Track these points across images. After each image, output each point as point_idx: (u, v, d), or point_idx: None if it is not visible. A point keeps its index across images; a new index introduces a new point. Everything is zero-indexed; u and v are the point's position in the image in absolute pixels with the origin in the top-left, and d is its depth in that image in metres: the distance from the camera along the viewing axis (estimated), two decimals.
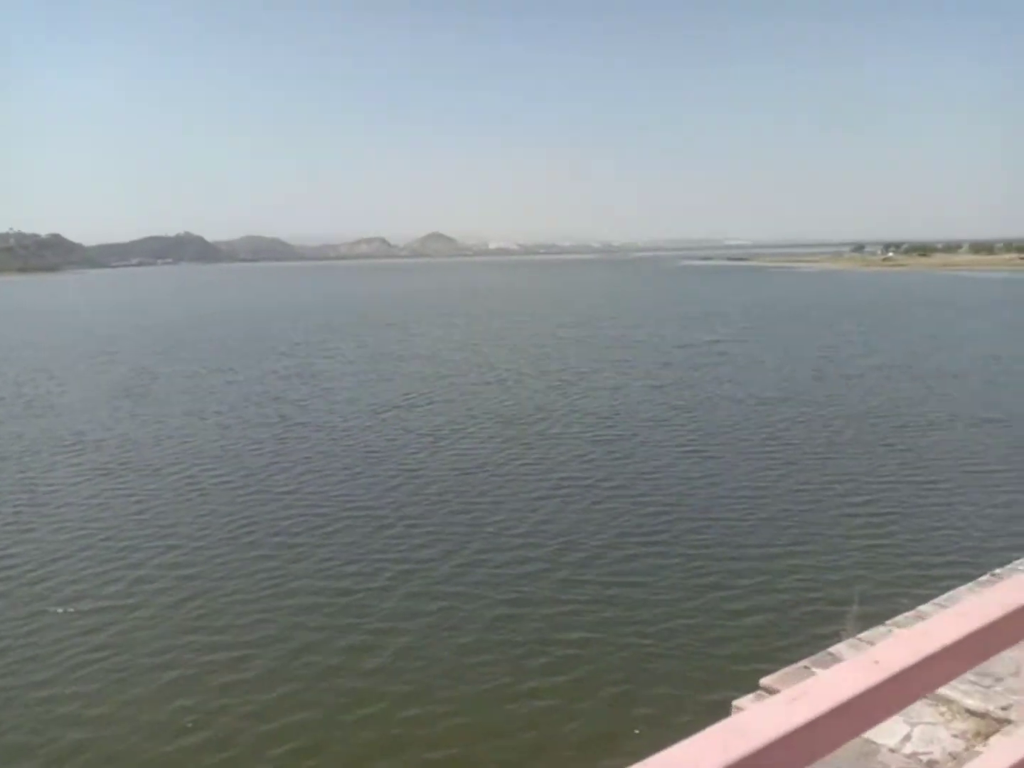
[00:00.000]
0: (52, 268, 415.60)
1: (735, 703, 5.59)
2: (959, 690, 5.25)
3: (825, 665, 5.78)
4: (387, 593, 13.14)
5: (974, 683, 5.34)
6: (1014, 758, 1.82)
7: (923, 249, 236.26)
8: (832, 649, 6.06)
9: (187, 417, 28.76)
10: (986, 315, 64.11)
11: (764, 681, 5.65)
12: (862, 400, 28.90)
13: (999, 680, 5.36)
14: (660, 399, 29.92)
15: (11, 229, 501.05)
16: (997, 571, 7.54)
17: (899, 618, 6.61)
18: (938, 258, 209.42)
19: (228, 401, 31.86)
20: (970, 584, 7.28)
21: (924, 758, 4.62)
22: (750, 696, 5.62)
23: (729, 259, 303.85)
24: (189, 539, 15.89)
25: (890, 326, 56.20)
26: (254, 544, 15.55)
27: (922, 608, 6.78)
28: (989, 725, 4.83)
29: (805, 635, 10.04)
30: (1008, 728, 4.98)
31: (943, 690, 5.28)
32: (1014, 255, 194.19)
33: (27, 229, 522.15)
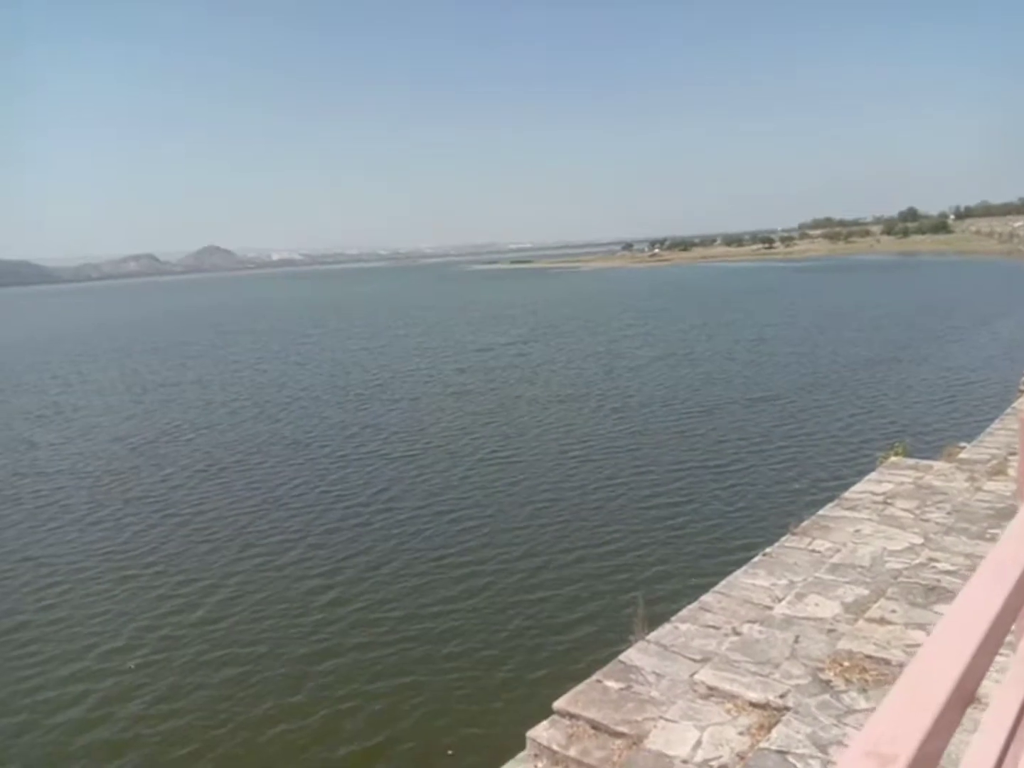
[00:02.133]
0: None
1: (529, 734, 5.26)
2: (740, 683, 5.28)
3: (620, 677, 5.62)
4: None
5: (754, 672, 5.40)
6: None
7: (684, 244, 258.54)
8: (623, 656, 5.93)
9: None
10: (747, 301, 71.10)
11: (558, 704, 5.37)
12: (647, 390, 30.66)
13: (776, 666, 5.46)
14: (461, 407, 29.71)
15: None
16: (768, 550, 7.90)
17: (683, 612, 6.66)
18: (697, 251, 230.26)
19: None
20: (745, 567, 7.55)
21: (715, 763, 4.53)
22: (545, 723, 5.31)
23: (513, 262, 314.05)
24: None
25: (662, 318, 60.59)
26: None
27: (704, 598, 6.89)
28: (771, 717, 4.85)
29: (593, 646, 10.02)
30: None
31: (726, 684, 5.28)
32: (759, 246, 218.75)
33: None
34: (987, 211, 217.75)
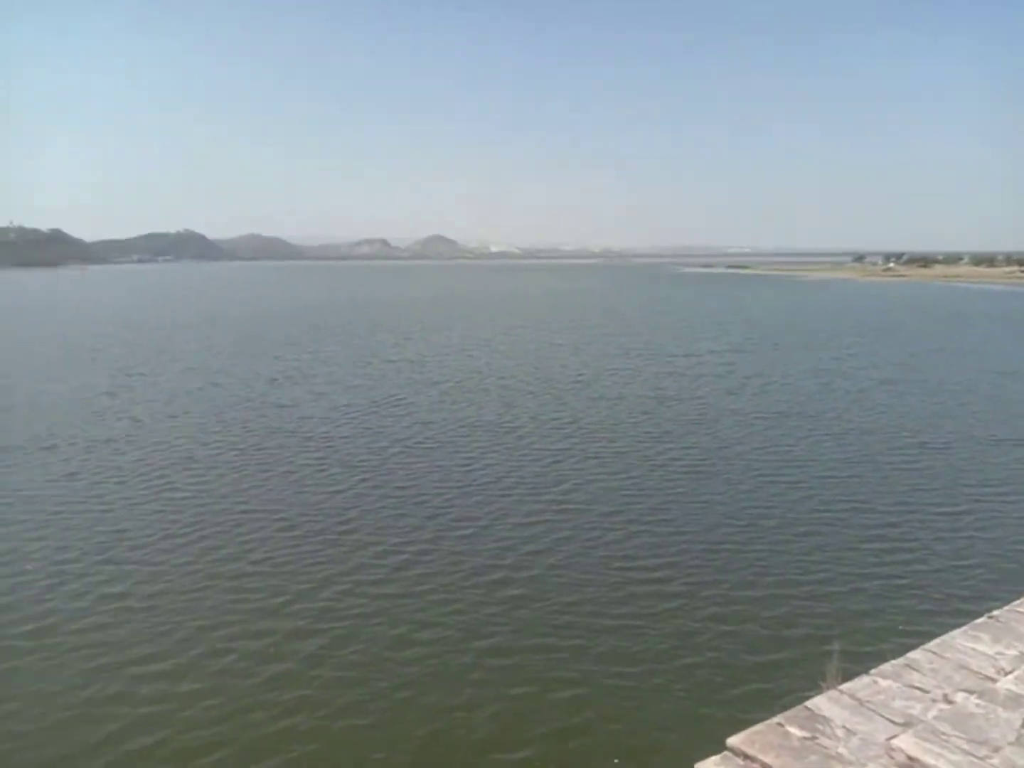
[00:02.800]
0: (51, 263, 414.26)
1: (697, 767, 4.97)
2: (948, 759, 4.64)
3: (805, 724, 5.18)
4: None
5: (967, 752, 4.73)
6: None
7: (924, 260, 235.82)
8: (811, 703, 5.44)
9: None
10: (993, 328, 63.57)
11: (732, 742, 5.03)
12: (870, 416, 28.24)
13: (996, 750, 4.75)
14: (663, 414, 29.07)
15: (11, 223, 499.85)
16: (995, 613, 6.93)
17: (885, 666, 5.99)
18: (938, 269, 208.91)
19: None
20: (965, 627, 6.66)
21: None
22: (716, 758, 5.00)
23: (729, 267, 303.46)
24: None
25: (894, 338, 55.68)
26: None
27: (911, 656, 6.17)
28: None
29: (776, 686, 9.34)
30: None
31: (930, 759, 4.68)
32: (1015, 268, 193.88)
33: (28, 223, 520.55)
34: None
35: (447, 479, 20.37)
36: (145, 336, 57.34)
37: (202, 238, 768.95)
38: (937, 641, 6.45)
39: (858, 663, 6.13)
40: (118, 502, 18.41)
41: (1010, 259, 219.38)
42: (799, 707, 5.41)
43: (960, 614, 8.04)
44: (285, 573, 14.21)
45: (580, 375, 38.36)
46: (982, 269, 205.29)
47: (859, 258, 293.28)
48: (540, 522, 16.96)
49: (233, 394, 33.21)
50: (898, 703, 5.41)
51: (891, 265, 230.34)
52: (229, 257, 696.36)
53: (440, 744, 9.25)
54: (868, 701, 5.44)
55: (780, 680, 9.63)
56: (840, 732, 5.05)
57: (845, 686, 5.68)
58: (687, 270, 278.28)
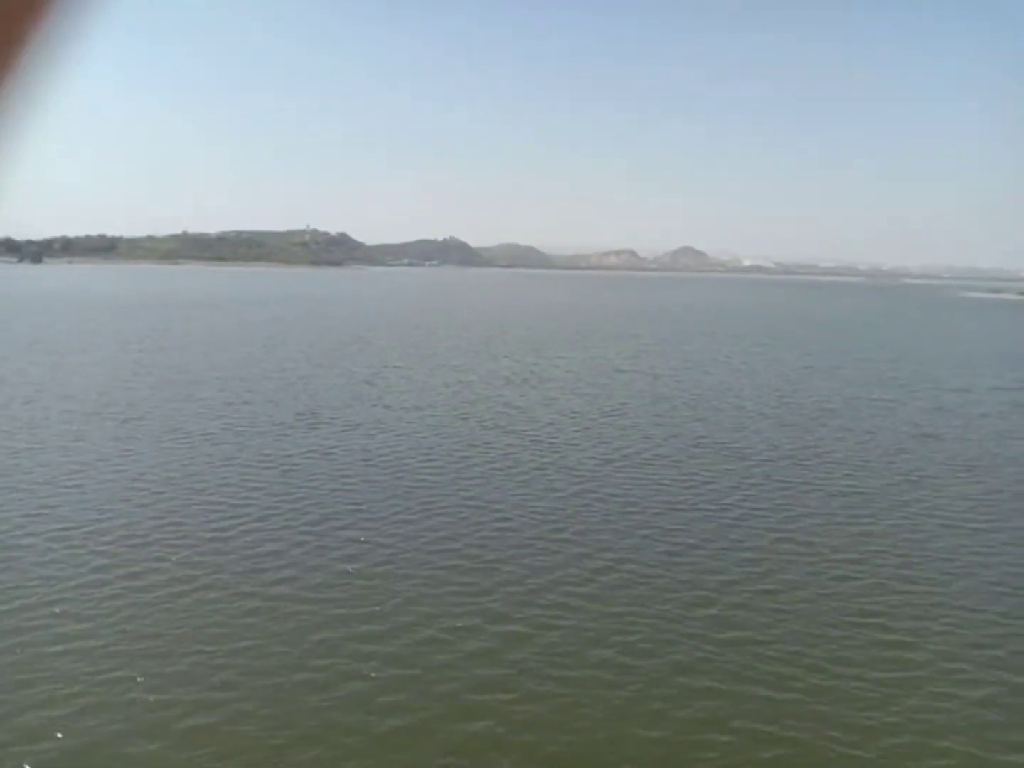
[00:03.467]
0: (337, 263, 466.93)
1: None
2: None
3: None
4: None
5: None
6: None
7: None
8: None
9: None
10: None
11: None
12: None
13: None
14: (928, 455, 26.84)
15: (308, 226, 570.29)
16: None
17: None
18: None
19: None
20: None
21: None
22: None
23: (1021, 293, 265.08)
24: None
25: None
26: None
27: None
28: None
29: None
30: None
31: None
32: None
33: (321, 227, 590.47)
34: None
35: (666, 497, 20.65)
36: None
37: (465, 245, 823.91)
38: None
39: None
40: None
41: None
42: None
43: None
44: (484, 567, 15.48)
45: (827, 403, 36.37)
46: None
47: None
48: (769, 559, 16.73)
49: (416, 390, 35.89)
50: None
51: None
52: (488, 264, 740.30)
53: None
54: None
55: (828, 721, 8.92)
56: None
57: None
58: (970, 295, 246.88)
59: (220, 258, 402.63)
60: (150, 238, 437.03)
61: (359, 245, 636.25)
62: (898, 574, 15.41)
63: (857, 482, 22.35)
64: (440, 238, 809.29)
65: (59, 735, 9.46)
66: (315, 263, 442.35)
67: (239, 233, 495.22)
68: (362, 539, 16.40)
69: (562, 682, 11.03)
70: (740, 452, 25.38)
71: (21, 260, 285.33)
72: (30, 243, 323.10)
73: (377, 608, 13.24)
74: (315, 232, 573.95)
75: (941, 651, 12.15)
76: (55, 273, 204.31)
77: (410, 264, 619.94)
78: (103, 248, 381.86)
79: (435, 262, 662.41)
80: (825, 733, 9.83)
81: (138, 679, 10.75)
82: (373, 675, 11.08)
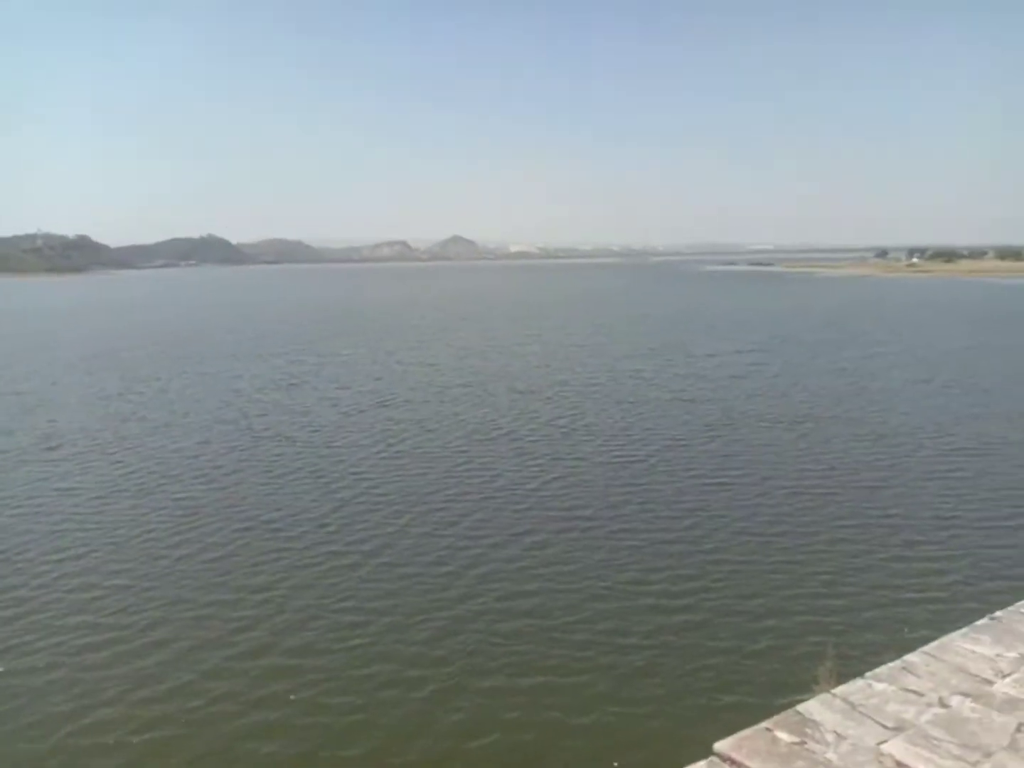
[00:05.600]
0: (79, 269, 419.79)
1: None
2: (938, 765, 4.57)
3: (794, 729, 5.11)
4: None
5: (958, 756, 4.65)
6: None
7: (948, 255, 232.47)
8: (802, 707, 5.38)
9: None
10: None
11: (719, 747, 4.99)
12: (897, 419, 27.82)
13: (988, 755, 4.67)
14: (684, 416, 28.81)
15: (39, 230, 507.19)
16: (997, 614, 6.81)
17: (881, 669, 5.91)
18: (964, 264, 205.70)
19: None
20: (966, 629, 6.56)
21: None
22: (702, 763, 4.96)
23: (752, 264, 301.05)
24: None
25: (921, 336, 55.02)
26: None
27: (909, 658, 6.07)
28: None
29: (772, 690, 9.23)
30: None
31: (920, 764, 4.61)
32: None
33: (55, 230, 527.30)
34: None
35: (447, 486, 20.38)
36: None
37: (225, 243, 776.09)
38: (936, 643, 6.35)
39: (854, 666, 6.06)
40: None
41: None
42: (790, 711, 5.36)
43: (962, 615, 7.80)
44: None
45: (595, 378, 38.25)
46: (1009, 263, 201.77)
47: (882, 253, 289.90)
48: (522, 530, 16.91)
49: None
50: (892, 707, 5.34)
51: (914, 260, 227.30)
52: (252, 261, 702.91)
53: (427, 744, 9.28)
54: (861, 705, 5.37)
55: (773, 684, 9.50)
56: (830, 737, 4.99)
57: (839, 689, 5.61)
58: (709, 268, 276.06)
59: None
60: None
61: (102, 248, 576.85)
62: (628, 527, 16.25)
63: (628, 447, 23.56)
64: (197, 235, 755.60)
65: None
66: (53, 270, 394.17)
67: None
68: None
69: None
70: (518, 431, 25.84)
71: None
72: None
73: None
74: (48, 236, 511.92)
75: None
76: None
77: (165, 265, 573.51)
78: None
79: (192, 262, 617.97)
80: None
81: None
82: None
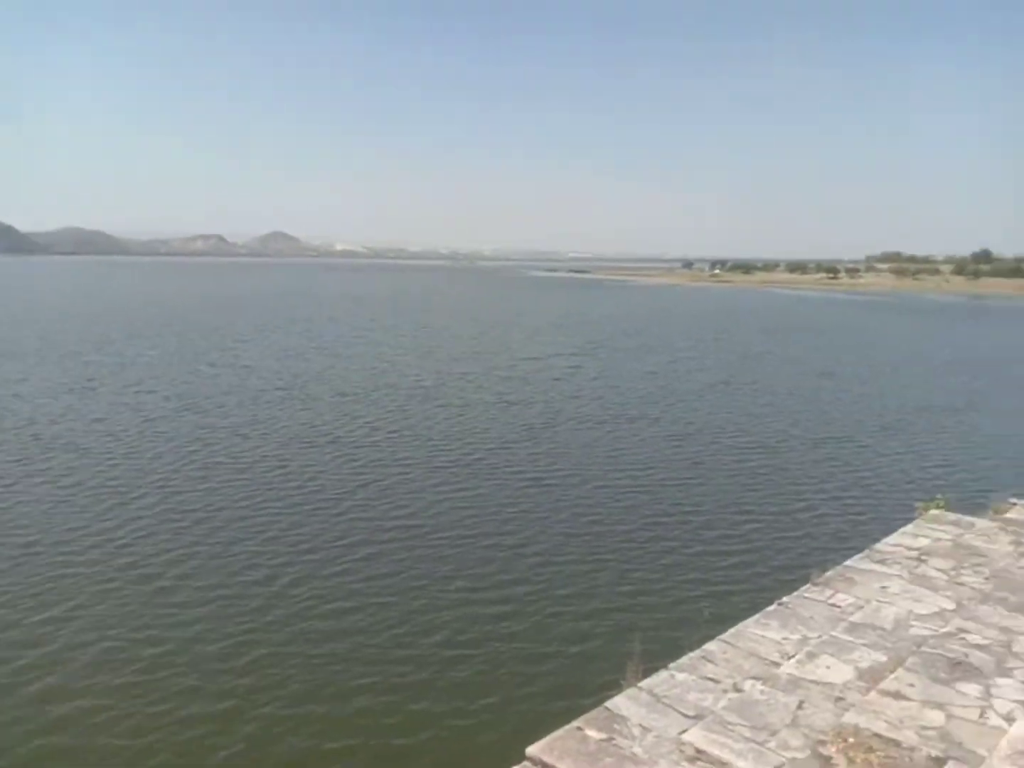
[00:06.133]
0: None
1: None
2: (732, 749, 4.86)
3: (603, 726, 5.24)
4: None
5: (749, 739, 4.97)
6: None
7: (746, 267, 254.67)
8: (610, 703, 5.55)
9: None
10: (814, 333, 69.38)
11: (531, 751, 5.02)
12: (692, 418, 29.92)
13: (774, 733, 5.02)
14: (508, 419, 29.28)
15: None
16: (784, 600, 7.42)
17: (683, 659, 6.24)
18: (759, 276, 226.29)
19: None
20: (757, 615, 7.08)
21: None
22: None
23: (571, 271, 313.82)
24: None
25: (722, 342, 59.58)
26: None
27: (708, 647, 6.46)
28: None
29: (581, 688, 9.52)
30: None
31: (715, 749, 4.87)
32: (823, 275, 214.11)
33: None
34: None
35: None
36: None
37: (10, 229, 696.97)
38: (732, 631, 6.81)
39: (660, 658, 6.33)
40: None
41: (820, 267, 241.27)
42: (599, 708, 5.50)
43: (757, 602, 8.44)
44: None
45: (422, 381, 38.11)
46: (796, 276, 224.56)
47: (688, 264, 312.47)
48: (375, 544, 16.57)
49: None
50: (692, 696, 5.62)
51: (717, 271, 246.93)
52: (44, 251, 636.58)
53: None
54: (665, 696, 5.62)
55: (585, 682, 9.80)
56: (636, 731, 5.16)
57: (644, 683, 5.84)
58: (533, 274, 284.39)
59: None
60: None
61: None
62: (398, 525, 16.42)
63: (454, 451, 23.59)
64: None
65: None
66: None
67: None
68: None
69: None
70: (341, 432, 25.14)
71: None
72: None
73: None
74: None
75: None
76: None
77: None
78: None
79: None
80: None
81: None
82: None
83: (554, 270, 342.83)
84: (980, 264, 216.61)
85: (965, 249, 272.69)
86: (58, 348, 46.09)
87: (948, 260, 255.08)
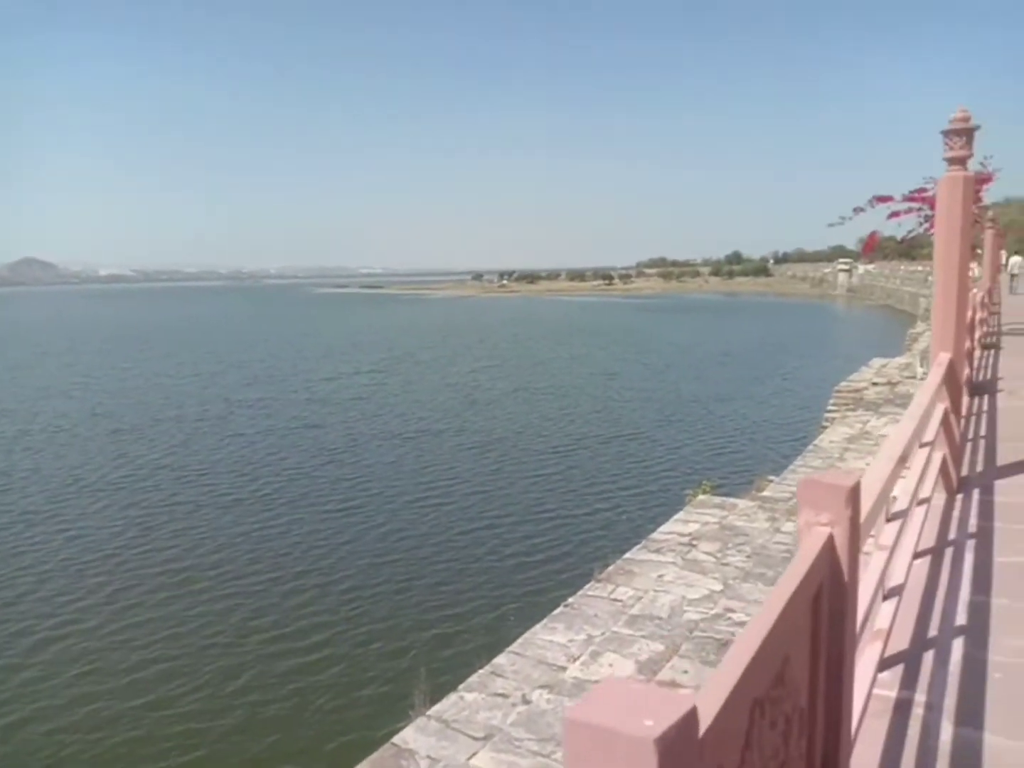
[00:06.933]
0: None
1: None
2: (519, 767, 4.80)
3: (387, 764, 4.98)
4: None
5: (536, 752, 4.94)
6: None
7: (531, 277, 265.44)
8: (398, 738, 5.30)
9: None
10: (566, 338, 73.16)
11: None
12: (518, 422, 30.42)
13: (559, 744, 5.04)
14: (309, 443, 28.09)
15: None
16: (569, 600, 7.57)
17: (472, 678, 6.13)
18: (543, 284, 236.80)
19: None
20: (545, 620, 7.15)
21: None
22: None
23: (363, 287, 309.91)
24: None
25: (516, 350, 61.29)
26: None
27: (497, 660, 6.40)
28: None
29: (372, 726, 9.22)
30: None
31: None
32: (600, 282, 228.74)
33: None
34: (801, 257, 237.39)
35: None
36: None
37: None
38: (520, 640, 6.80)
39: (451, 680, 6.19)
40: None
41: (597, 273, 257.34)
42: (386, 745, 5.23)
43: (547, 606, 8.54)
44: None
45: (210, 410, 35.64)
46: (576, 283, 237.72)
47: (478, 276, 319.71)
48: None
49: None
50: (481, 716, 5.51)
51: (505, 282, 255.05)
52: None
53: None
54: (453, 720, 5.46)
55: (372, 720, 9.51)
56: (424, 763, 4.96)
57: (433, 709, 5.65)
58: (322, 291, 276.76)
59: None
60: None
61: None
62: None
63: (248, 484, 22.20)
64: None
65: None
66: None
67: None
68: None
69: None
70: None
71: None
72: None
73: None
74: None
75: None
76: None
77: None
78: None
79: None
80: None
81: None
82: None
83: (345, 286, 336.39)
84: (733, 265, 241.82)
85: (720, 252, 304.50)
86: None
87: (706, 263, 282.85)
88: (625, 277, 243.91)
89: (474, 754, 4.98)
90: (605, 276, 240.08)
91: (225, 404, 36.55)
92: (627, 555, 8.62)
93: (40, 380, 46.38)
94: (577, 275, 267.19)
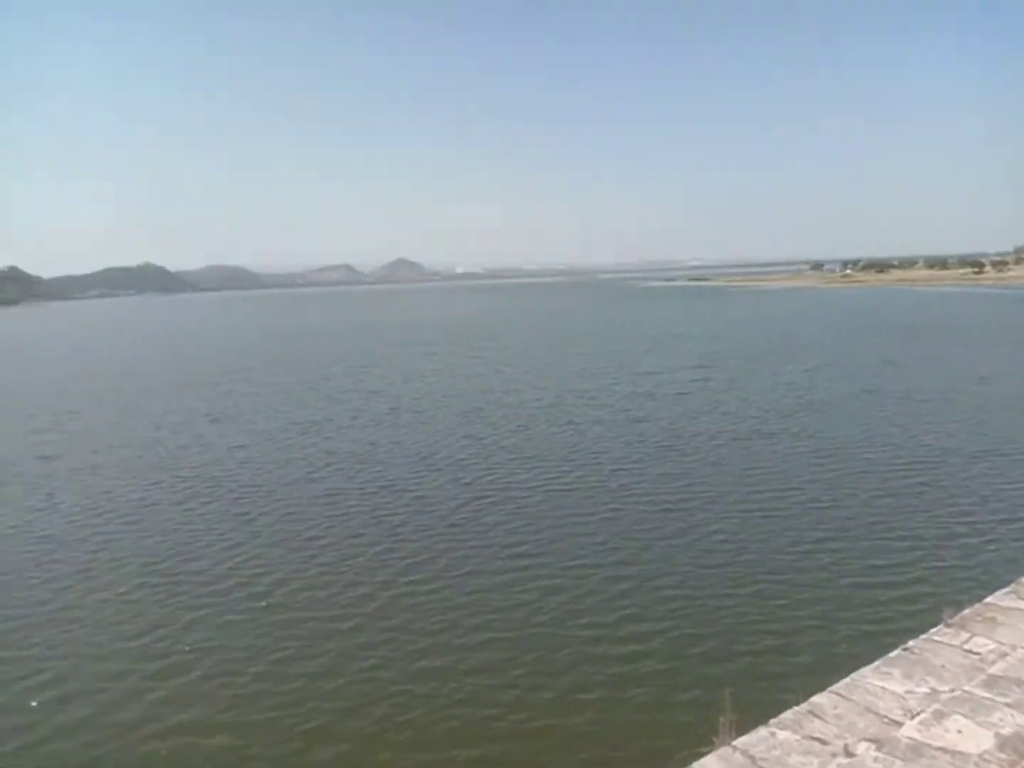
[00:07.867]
0: (12, 302, 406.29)
1: None
2: None
3: None
4: None
5: None
6: None
7: (880, 266, 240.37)
8: (697, 764, 4.99)
9: None
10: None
11: None
12: (836, 432, 27.77)
13: None
14: (635, 436, 28.11)
15: None
16: (909, 644, 6.55)
17: (787, 714, 5.56)
18: (895, 274, 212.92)
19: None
20: (877, 663, 6.27)
21: None
22: None
23: (691, 280, 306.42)
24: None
25: (854, 348, 56.14)
26: None
27: (816, 699, 5.74)
28: None
29: (670, 746, 8.60)
30: None
31: None
32: (967, 269, 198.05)
33: None
34: None
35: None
36: None
37: (163, 270, 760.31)
38: (846, 680, 6.03)
39: (760, 712, 5.68)
40: None
41: (963, 261, 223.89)
42: None
43: (878, 646, 7.32)
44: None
45: (547, 400, 37.93)
46: (936, 272, 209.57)
47: (817, 266, 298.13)
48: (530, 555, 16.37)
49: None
50: (794, 759, 4.97)
51: (848, 272, 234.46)
52: (192, 288, 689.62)
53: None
54: (762, 759, 4.98)
55: (673, 736, 8.97)
56: None
57: (739, 741, 5.22)
58: (652, 284, 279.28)
59: None
60: None
61: (34, 280, 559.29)
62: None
63: (572, 471, 23.12)
64: (134, 264, 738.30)
65: None
66: None
67: None
68: None
69: None
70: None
71: None
72: None
73: None
74: None
75: None
76: None
77: (100, 295, 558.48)
78: None
79: (131, 291, 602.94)
80: None
81: None
82: None
83: (672, 279, 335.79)
84: None
85: None
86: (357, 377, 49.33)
87: None
88: (999, 264, 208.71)
89: None
90: (974, 263, 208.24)
91: (557, 394, 38.40)
92: (989, 599, 7.23)
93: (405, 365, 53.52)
94: (938, 262, 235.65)
